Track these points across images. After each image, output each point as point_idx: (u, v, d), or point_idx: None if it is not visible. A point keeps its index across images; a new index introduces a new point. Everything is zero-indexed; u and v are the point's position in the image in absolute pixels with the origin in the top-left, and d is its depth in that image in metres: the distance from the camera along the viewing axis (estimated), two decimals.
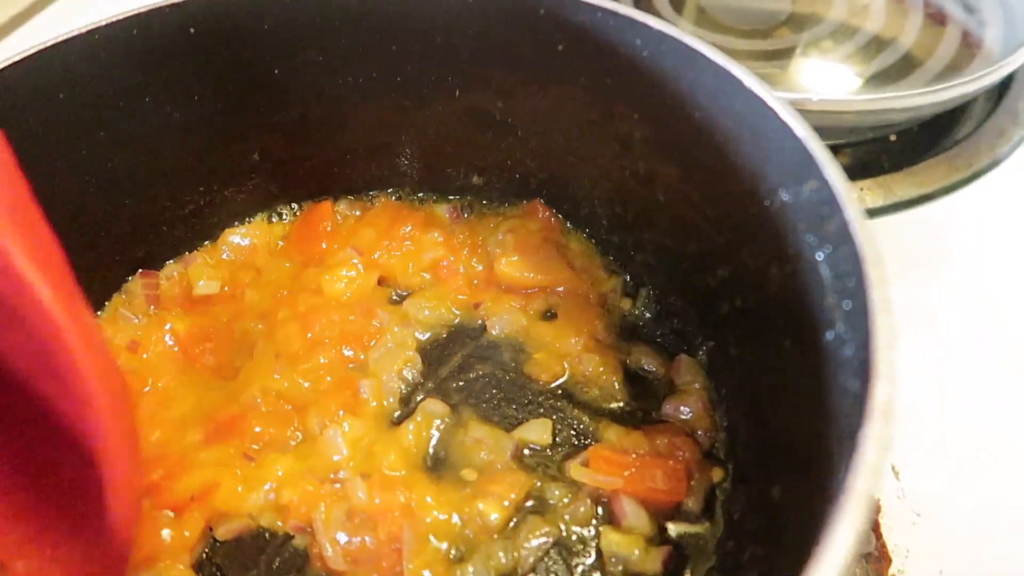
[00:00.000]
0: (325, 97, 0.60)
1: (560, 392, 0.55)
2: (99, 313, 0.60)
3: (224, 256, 0.63)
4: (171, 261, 0.63)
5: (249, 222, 0.65)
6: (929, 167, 0.74)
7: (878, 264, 0.34)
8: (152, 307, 0.60)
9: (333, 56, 0.58)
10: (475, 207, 0.66)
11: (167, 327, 0.57)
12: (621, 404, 0.55)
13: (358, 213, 0.66)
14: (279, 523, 0.49)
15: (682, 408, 0.53)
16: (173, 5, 0.53)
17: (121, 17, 0.51)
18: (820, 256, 0.39)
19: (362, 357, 0.57)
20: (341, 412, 0.53)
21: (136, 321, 0.59)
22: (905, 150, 0.79)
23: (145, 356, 0.56)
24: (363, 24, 0.56)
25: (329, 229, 0.64)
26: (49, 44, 0.49)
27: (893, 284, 0.64)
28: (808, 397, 0.40)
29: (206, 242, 0.64)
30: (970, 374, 0.61)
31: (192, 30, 0.54)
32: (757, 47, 0.88)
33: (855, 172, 0.77)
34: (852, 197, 0.36)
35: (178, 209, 0.62)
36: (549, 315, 0.59)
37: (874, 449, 0.28)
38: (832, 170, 0.38)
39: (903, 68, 0.82)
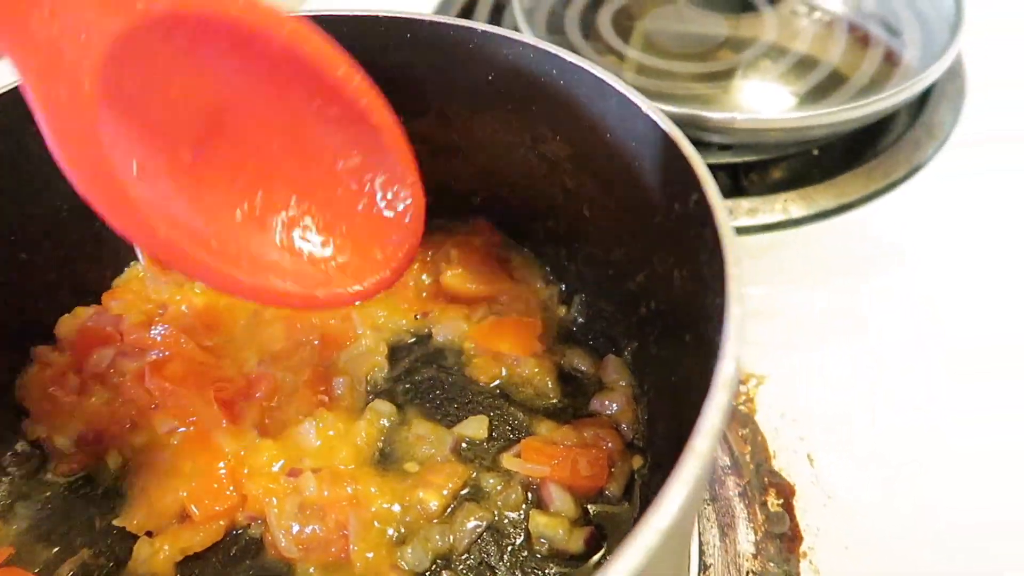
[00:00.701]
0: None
1: (498, 392, 0.60)
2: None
3: None
4: None
5: None
6: (849, 178, 0.80)
7: (736, 264, 0.39)
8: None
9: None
10: (425, 225, 0.71)
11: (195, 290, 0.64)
12: (554, 401, 0.60)
13: None
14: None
15: (608, 403, 0.58)
16: None
17: None
18: (703, 259, 0.44)
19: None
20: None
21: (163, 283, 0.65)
22: (830, 163, 0.85)
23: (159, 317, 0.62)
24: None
25: None
26: None
27: (818, 290, 0.70)
28: (703, 386, 0.45)
29: None
30: (894, 371, 0.66)
31: None
32: (699, 69, 0.94)
33: (783, 185, 0.82)
34: (722, 207, 0.41)
35: None
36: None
37: (716, 415, 0.33)
38: (709, 185, 0.43)
39: (830, 85, 0.88)
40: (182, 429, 0.57)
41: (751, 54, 0.95)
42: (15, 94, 0.52)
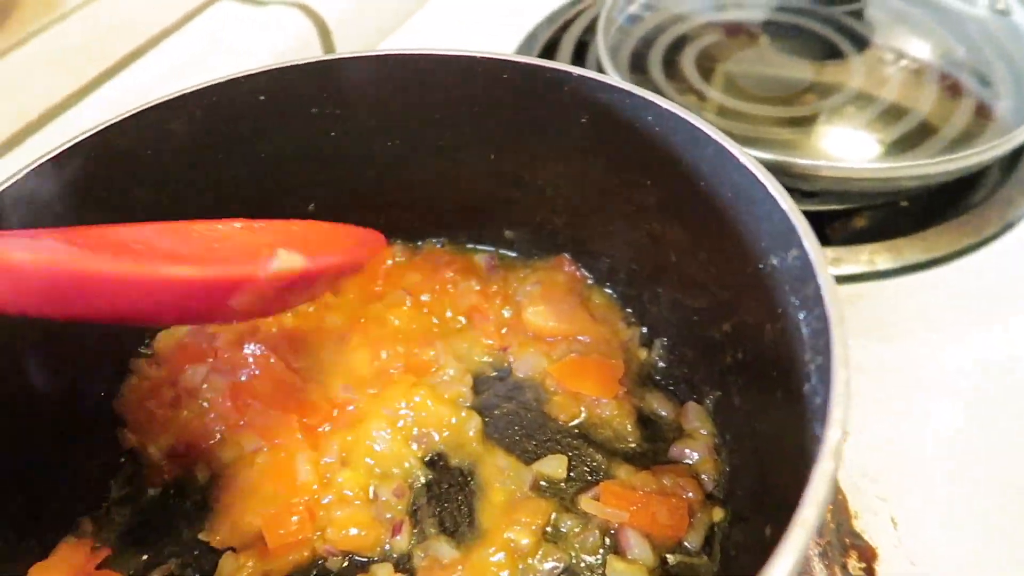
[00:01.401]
0: (375, 157, 0.67)
1: (577, 432, 0.60)
2: None
3: None
4: None
5: None
6: (938, 232, 0.78)
7: (840, 325, 0.38)
8: None
9: (383, 121, 0.65)
10: (507, 259, 0.72)
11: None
12: (633, 445, 0.59)
13: (402, 259, 0.73)
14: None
15: (688, 451, 0.57)
16: (247, 76, 0.61)
17: (209, 84, 0.60)
18: (801, 316, 0.44)
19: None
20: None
21: None
22: (918, 215, 0.83)
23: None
24: (410, 94, 0.63)
25: (388, 265, 0.72)
26: (151, 104, 0.58)
27: (904, 345, 0.68)
28: (793, 444, 0.44)
29: None
30: (985, 434, 0.64)
31: (262, 97, 0.62)
32: (781, 114, 0.94)
33: (868, 235, 0.81)
34: (824, 265, 0.41)
35: None
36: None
37: (823, 484, 0.33)
38: (810, 241, 0.43)
39: (919, 136, 0.86)
40: (266, 449, 0.59)
41: (836, 100, 0.94)
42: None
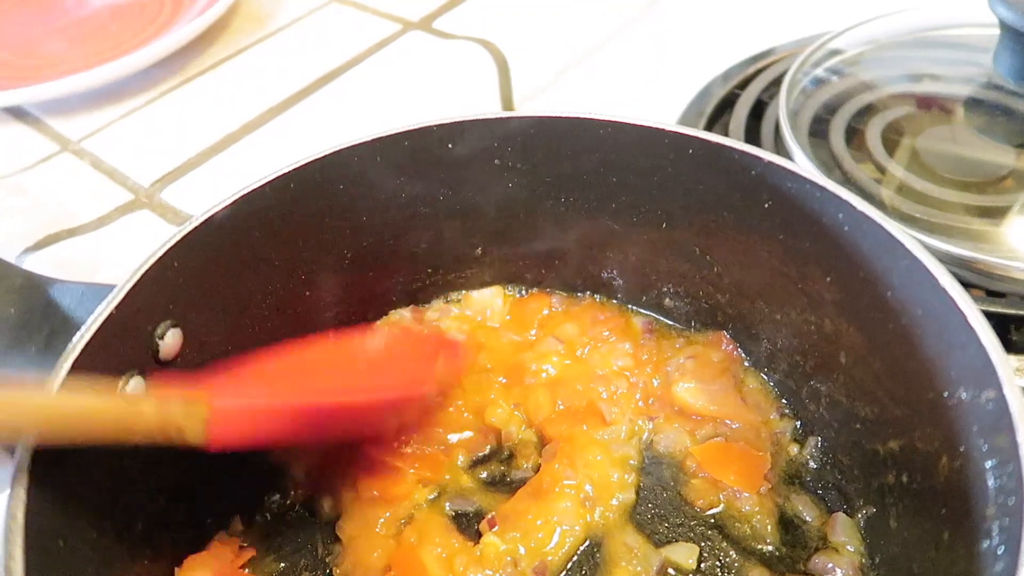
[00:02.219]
0: (547, 210, 0.69)
1: (712, 522, 0.59)
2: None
3: (468, 312, 0.74)
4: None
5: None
6: None
7: None
8: None
9: (558, 178, 0.66)
10: (663, 325, 0.72)
11: None
12: (771, 547, 0.57)
13: (560, 309, 0.74)
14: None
15: (832, 567, 0.54)
16: (439, 126, 0.64)
17: (393, 133, 0.63)
18: (988, 464, 0.41)
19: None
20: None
21: None
22: None
23: None
24: (589, 157, 0.64)
25: (544, 314, 0.73)
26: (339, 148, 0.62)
27: None
28: None
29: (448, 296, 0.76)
30: None
31: (449, 145, 0.65)
32: (970, 201, 0.87)
33: None
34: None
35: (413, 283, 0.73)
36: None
37: None
38: (1011, 386, 0.40)
39: None
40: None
41: None
42: None
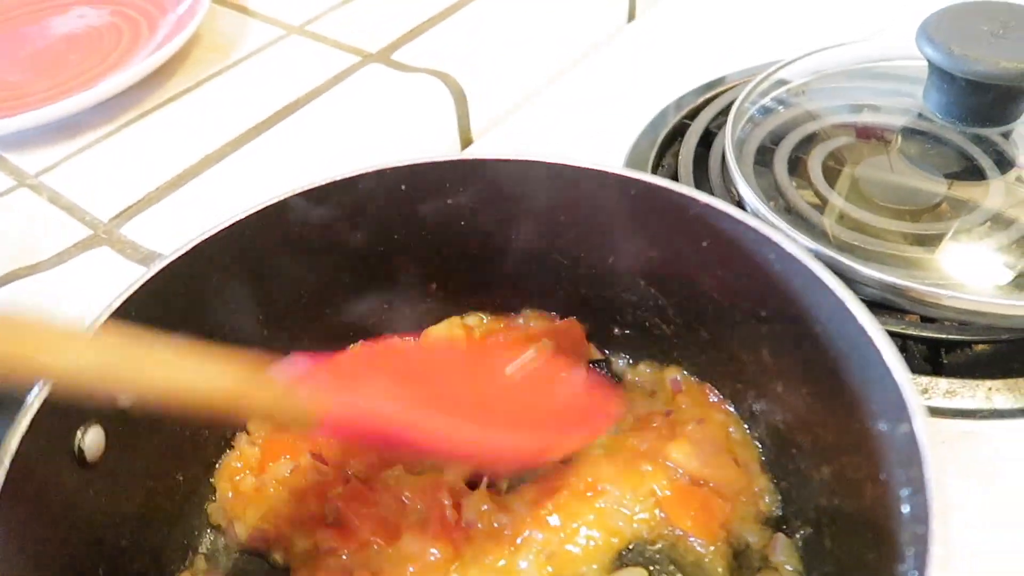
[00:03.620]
0: (496, 250, 0.71)
1: (661, 547, 0.61)
2: None
3: None
4: None
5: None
6: None
7: (943, 521, 0.38)
8: None
9: (504, 216, 0.69)
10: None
11: None
12: (720, 570, 0.60)
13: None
14: None
15: None
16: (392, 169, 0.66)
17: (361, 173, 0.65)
18: (903, 493, 0.44)
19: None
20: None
21: None
22: None
23: None
24: (539, 198, 0.67)
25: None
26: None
27: (1014, 492, 0.65)
28: None
29: None
30: None
31: (403, 187, 0.67)
32: (906, 229, 0.91)
33: (989, 370, 0.78)
34: (933, 453, 0.41)
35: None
36: None
37: None
38: (920, 421, 0.43)
39: None
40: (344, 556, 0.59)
41: (969, 221, 0.90)
42: None
